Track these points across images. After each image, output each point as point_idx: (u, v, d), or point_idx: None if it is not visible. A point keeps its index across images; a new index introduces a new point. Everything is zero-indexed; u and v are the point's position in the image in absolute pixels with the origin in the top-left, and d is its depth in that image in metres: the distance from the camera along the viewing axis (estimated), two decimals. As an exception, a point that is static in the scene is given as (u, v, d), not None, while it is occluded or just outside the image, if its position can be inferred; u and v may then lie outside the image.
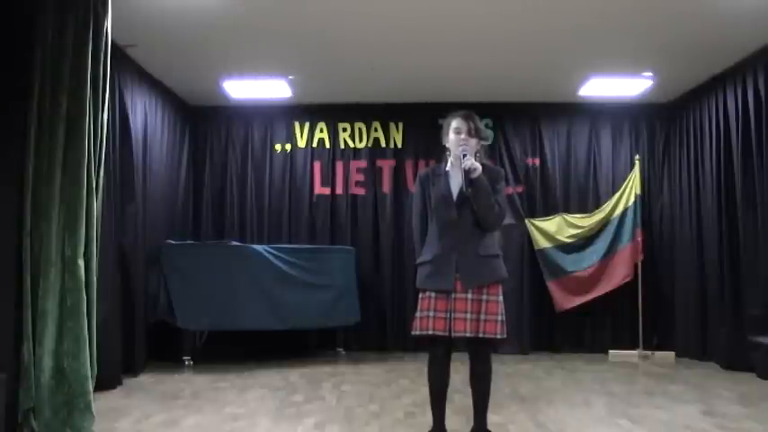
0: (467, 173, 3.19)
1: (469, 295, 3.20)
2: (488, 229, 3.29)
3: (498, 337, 3.21)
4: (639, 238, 6.82)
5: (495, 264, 3.28)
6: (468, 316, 3.19)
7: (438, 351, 3.31)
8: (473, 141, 3.30)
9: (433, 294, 3.24)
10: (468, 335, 3.19)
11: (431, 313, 3.22)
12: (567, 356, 6.74)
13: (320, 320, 6.50)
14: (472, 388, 3.33)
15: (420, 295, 3.31)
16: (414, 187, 3.88)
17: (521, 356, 6.75)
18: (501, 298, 3.26)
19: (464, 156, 3.21)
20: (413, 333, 3.29)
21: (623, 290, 6.87)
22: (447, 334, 3.20)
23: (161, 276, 5.90)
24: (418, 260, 3.38)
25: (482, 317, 3.19)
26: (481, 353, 3.30)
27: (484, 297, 3.21)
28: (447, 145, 3.38)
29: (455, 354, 3.33)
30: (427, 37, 5.35)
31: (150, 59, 5.84)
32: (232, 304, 5.95)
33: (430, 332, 3.21)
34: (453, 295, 3.21)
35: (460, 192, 3.27)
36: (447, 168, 3.34)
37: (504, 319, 3.24)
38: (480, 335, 3.19)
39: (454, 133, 3.32)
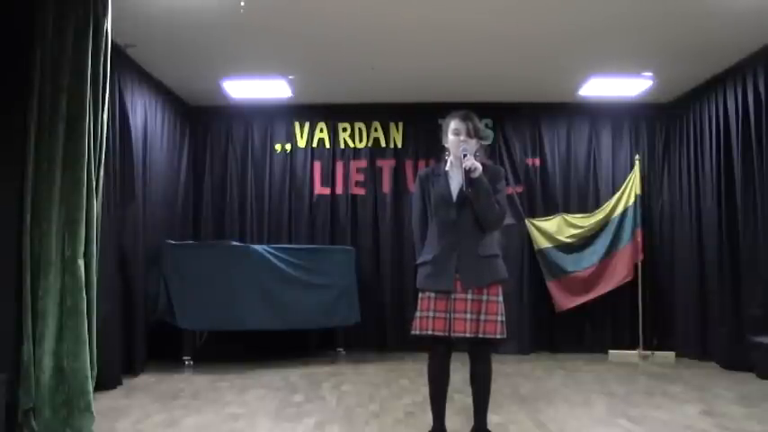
0: (467, 172, 3.19)
1: (469, 296, 3.20)
2: (489, 228, 3.29)
3: (498, 337, 3.20)
4: (639, 239, 6.82)
5: (495, 264, 3.28)
6: (468, 316, 3.18)
7: (438, 351, 3.31)
8: (472, 142, 3.30)
9: (432, 295, 3.24)
10: (467, 335, 3.19)
11: (430, 314, 3.22)
12: (567, 356, 6.73)
13: (320, 320, 6.50)
14: (472, 388, 3.33)
15: (420, 295, 3.30)
16: (413, 187, 3.88)
17: (521, 356, 6.75)
18: (501, 298, 3.26)
19: (464, 156, 3.21)
20: (412, 333, 3.29)
21: (623, 290, 6.88)
22: (447, 334, 3.20)
23: (161, 276, 5.90)
24: (418, 260, 3.37)
25: (482, 317, 3.19)
26: (481, 353, 3.30)
27: (484, 297, 3.21)
28: (446, 145, 3.38)
29: (455, 354, 3.33)
30: (427, 37, 5.35)
31: (150, 59, 5.84)
32: (232, 304, 5.94)
33: (430, 332, 3.21)
34: (453, 296, 3.20)
35: (460, 192, 3.27)
36: (446, 168, 3.35)
37: (504, 319, 3.24)
38: (480, 335, 3.19)
39: (453, 134, 3.32)
